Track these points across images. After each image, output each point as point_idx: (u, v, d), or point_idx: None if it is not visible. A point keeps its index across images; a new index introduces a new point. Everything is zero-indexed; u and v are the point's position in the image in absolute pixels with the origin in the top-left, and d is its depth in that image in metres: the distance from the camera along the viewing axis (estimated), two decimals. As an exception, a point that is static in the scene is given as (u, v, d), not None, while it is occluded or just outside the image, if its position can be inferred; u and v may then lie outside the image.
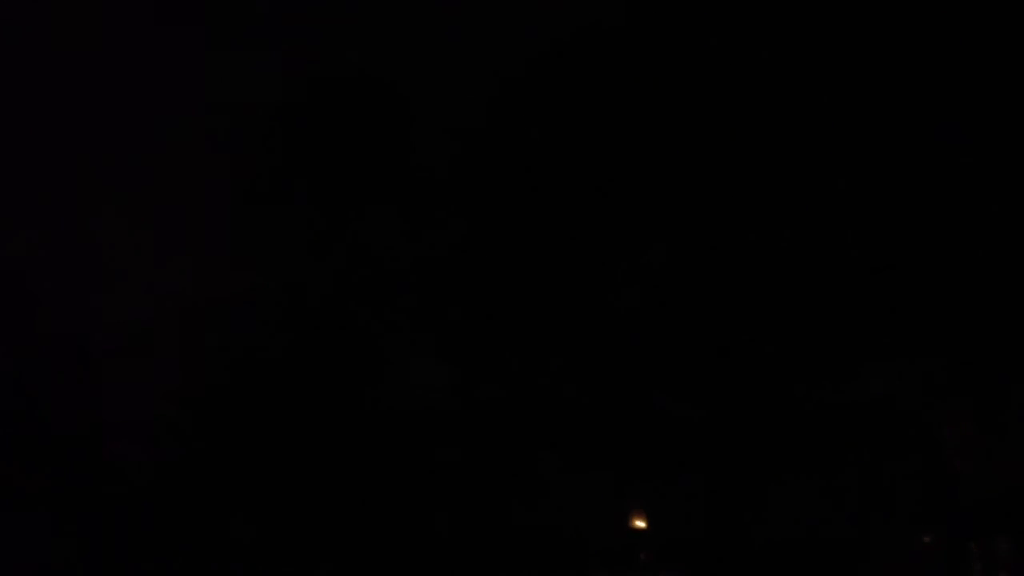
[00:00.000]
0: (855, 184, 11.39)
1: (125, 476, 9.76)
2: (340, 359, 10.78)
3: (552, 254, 11.37)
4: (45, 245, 9.90)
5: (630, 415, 12.22)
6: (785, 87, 11.31)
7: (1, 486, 9.42)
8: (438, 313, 11.18)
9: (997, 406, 11.86)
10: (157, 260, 10.20)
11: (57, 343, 9.74)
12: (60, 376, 9.68)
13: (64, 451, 9.49)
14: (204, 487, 10.12)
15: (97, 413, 9.72)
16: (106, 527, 9.46)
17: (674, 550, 12.83)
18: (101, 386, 9.85)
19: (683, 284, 11.54)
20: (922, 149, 11.28)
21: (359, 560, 10.62)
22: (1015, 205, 11.19)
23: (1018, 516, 12.08)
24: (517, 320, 11.25)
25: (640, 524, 13.46)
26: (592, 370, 11.54)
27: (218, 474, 10.13)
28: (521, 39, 10.97)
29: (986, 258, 11.42)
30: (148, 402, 10.10)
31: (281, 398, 10.38)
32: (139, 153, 10.42)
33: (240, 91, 10.88)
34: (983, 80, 10.85)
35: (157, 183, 10.42)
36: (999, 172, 11.16)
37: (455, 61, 11.20)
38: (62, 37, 10.25)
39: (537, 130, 11.17)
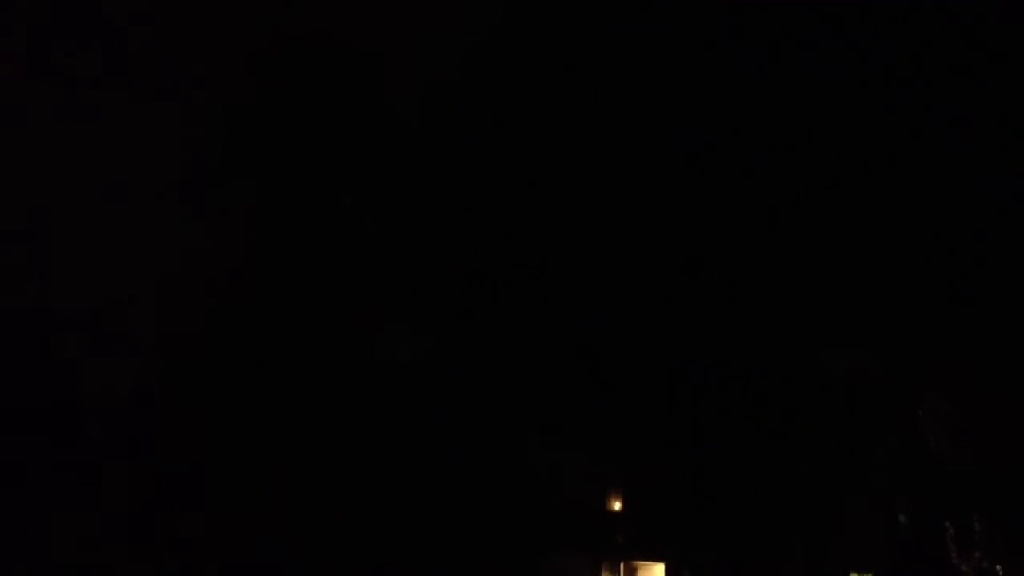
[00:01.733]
0: (826, 169, 11.47)
1: (99, 452, 9.61)
2: (314, 332, 10.68)
3: (533, 233, 11.35)
4: (14, 227, 9.78)
5: (607, 398, 12.19)
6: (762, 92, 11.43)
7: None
8: (417, 289, 11.11)
9: (972, 384, 11.91)
10: (129, 238, 10.08)
11: (28, 322, 9.61)
12: (32, 355, 9.54)
13: (38, 427, 9.33)
14: (178, 463, 9.98)
15: (70, 390, 9.57)
16: (81, 504, 9.32)
17: (649, 532, 12.78)
18: (74, 363, 9.70)
19: (662, 267, 11.57)
20: (889, 138, 11.39)
21: (340, 534, 10.50)
22: (987, 188, 11.27)
23: (993, 494, 12.12)
24: (498, 297, 11.21)
25: (616, 507, 13.41)
26: (570, 353, 11.52)
27: (192, 450, 10.00)
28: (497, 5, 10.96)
29: (959, 239, 11.49)
30: (121, 378, 9.96)
31: (254, 370, 10.27)
32: (109, 132, 10.31)
33: (210, 69, 10.80)
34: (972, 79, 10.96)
35: (129, 161, 10.32)
36: (971, 158, 11.24)
37: (430, 29, 11.15)
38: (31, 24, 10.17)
39: (514, 102, 11.17)
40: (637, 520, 12.76)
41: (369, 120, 11.03)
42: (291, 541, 10.24)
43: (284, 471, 10.30)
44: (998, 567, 13.09)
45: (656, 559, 13.85)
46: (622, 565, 13.80)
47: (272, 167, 10.74)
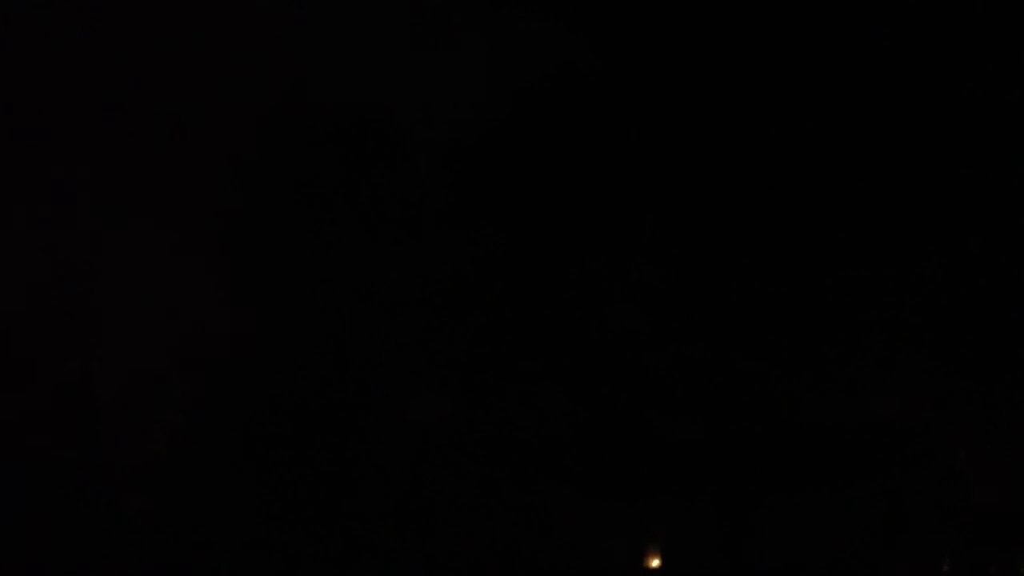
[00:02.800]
0: (863, 204, 11.33)
1: (130, 519, 9.70)
2: (343, 397, 10.72)
3: (550, 278, 11.33)
4: (42, 285, 9.92)
5: (642, 448, 12.10)
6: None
7: (3, 531, 9.37)
8: (439, 345, 11.12)
9: (1014, 428, 11.73)
10: (153, 301, 10.17)
11: (58, 388, 9.73)
12: (62, 422, 9.65)
13: (69, 496, 9.45)
14: (209, 528, 10.04)
15: (102, 459, 9.68)
16: (111, 571, 9.41)
17: (690, 586, 12.67)
18: (105, 431, 9.81)
19: (689, 306, 11.47)
20: (929, 164, 11.23)
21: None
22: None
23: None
24: (520, 349, 11.19)
25: (655, 563, 13.29)
26: (601, 402, 11.46)
27: (224, 515, 10.06)
28: (513, 68, 10.98)
29: (997, 278, 11.32)
30: (153, 445, 10.05)
31: (284, 436, 10.32)
32: (131, 190, 10.43)
33: (227, 128, 10.90)
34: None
35: (150, 220, 10.43)
36: (1006, 192, 11.09)
37: (448, 88, 11.20)
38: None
39: (531, 153, 11.18)
40: (675, 571, 12.65)
41: (389, 183, 11.09)
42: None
43: (317, 536, 10.35)
44: (1047, 613, 12.88)
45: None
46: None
47: (297, 230, 10.83)
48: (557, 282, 11.28)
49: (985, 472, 12.31)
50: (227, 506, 10.20)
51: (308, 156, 11.01)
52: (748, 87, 11.55)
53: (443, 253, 11.25)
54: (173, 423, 10.25)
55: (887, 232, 11.35)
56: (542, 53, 11.09)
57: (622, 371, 11.40)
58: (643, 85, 11.35)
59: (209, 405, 10.30)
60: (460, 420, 11.11)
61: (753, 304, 11.40)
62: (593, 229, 11.27)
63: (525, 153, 11.22)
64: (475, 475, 11.19)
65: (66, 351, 9.99)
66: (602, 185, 11.32)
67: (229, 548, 10.08)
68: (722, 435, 11.51)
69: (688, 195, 11.41)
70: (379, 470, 10.76)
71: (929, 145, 11.33)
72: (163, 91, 10.39)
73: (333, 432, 10.67)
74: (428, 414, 11.16)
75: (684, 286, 11.46)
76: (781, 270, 11.49)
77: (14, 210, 10.00)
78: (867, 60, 11.28)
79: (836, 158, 11.42)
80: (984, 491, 12.42)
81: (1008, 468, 12.18)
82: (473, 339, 11.20)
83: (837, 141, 11.38)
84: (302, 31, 10.70)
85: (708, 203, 11.38)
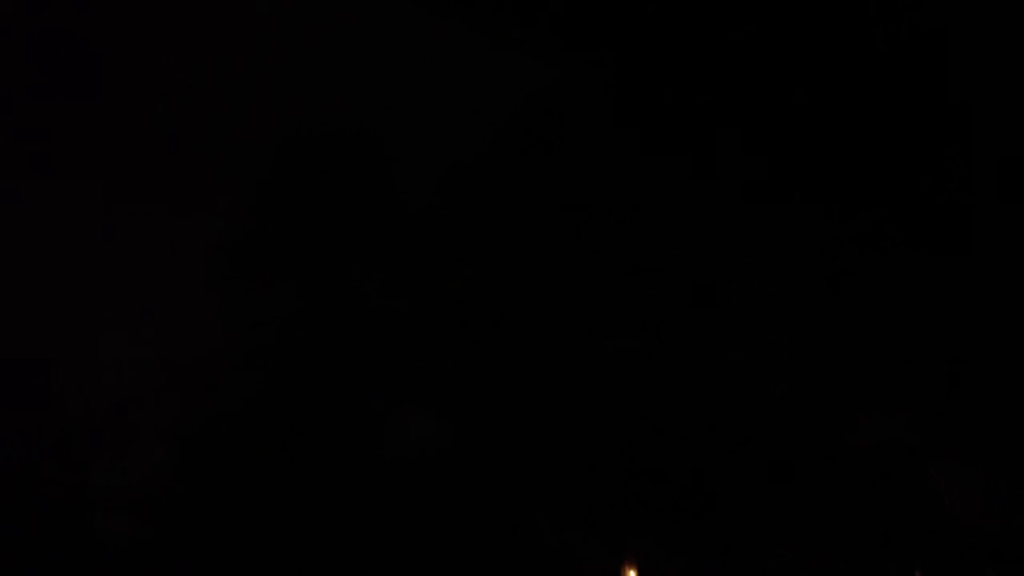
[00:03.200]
0: (852, 224, 11.37)
1: (114, 550, 9.69)
2: (330, 419, 10.73)
3: (542, 304, 11.35)
4: (19, 318, 9.86)
5: (622, 466, 12.17)
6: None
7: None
8: (426, 369, 11.14)
9: (993, 447, 11.85)
10: (135, 327, 10.14)
11: (38, 417, 9.70)
12: (43, 449, 9.62)
13: (51, 525, 9.42)
14: (196, 556, 10.05)
15: (84, 486, 9.66)
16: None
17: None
18: (86, 459, 9.79)
19: (679, 332, 11.52)
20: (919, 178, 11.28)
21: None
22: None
23: (1013, 558, 12.07)
24: (509, 372, 11.22)
25: None
26: (583, 421, 11.51)
27: (211, 543, 10.07)
28: (506, 95, 10.94)
29: (985, 301, 11.38)
30: (135, 472, 10.03)
31: (271, 461, 10.32)
32: (123, 213, 10.38)
33: (216, 149, 10.85)
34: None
35: (132, 244, 10.40)
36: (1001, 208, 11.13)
37: (441, 116, 11.16)
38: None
39: (525, 181, 11.15)
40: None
41: (387, 210, 11.06)
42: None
43: (305, 562, 10.38)
44: (1021, 626, 13.07)
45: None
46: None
47: (285, 255, 10.80)
48: (540, 300, 11.33)
49: (959, 487, 12.44)
50: (212, 521, 10.22)
51: (301, 169, 10.98)
52: (722, 97, 11.57)
53: (431, 269, 11.26)
54: (157, 439, 10.24)
55: (869, 254, 11.41)
56: (537, 70, 11.07)
57: (604, 387, 11.47)
58: (630, 99, 11.37)
59: (195, 421, 10.31)
60: (441, 437, 11.16)
61: (736, 322, 11.46)
62: (580, 245, 11.30)
63: (515, 167, 11.23)
64: (455, 489, 11.25)
65: (49, 363, 9.97)
66: (592, 200, 11.33)
67: (214, 562, 10.11)
68: (699, 450, 11.61)
69: (676, 208, 11.42)
70: (362, 486, 10.80)
71: (918, 162, 11.36)
72: (156, 102, 10.33)
73: (318, 446, 10.70)
74: (410, 432, 11.20)
75: (669, 302, 11.51)
76: (765, 288, 11.54)
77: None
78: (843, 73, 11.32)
79: (823, 175, 11.45)
80: (957, 505, 12.56)
81: (981, 483, 12.31)
82: (456, 357, 11.23)
83: (827, 161, 11.40)
84: (299, 45, 10.66)
85: (695, 217, 11.40)
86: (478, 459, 11.21)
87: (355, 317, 10.98)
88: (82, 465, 9.80)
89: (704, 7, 11.29)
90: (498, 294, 11.12)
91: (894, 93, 11.25)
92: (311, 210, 10.98)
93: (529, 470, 11.37)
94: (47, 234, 9.96)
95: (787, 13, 11.25)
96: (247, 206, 10.69)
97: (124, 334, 10.20)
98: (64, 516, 9.70)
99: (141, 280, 10.21)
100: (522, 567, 11.42)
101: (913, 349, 11.73)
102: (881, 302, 11.74)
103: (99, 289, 10.09)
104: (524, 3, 11.19)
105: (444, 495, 11.18)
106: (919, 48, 11.14)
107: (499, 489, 11.26)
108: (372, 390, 10.96)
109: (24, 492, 9.73)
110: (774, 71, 11.31)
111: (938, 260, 11.42)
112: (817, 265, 11.71)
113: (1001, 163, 11.22)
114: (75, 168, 10.12)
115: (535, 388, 11.27)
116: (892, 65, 11.23)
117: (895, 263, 11.68)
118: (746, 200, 11.42)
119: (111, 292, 10.13)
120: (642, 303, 11.40)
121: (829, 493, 12.49)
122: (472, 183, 10.94)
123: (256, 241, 10.73)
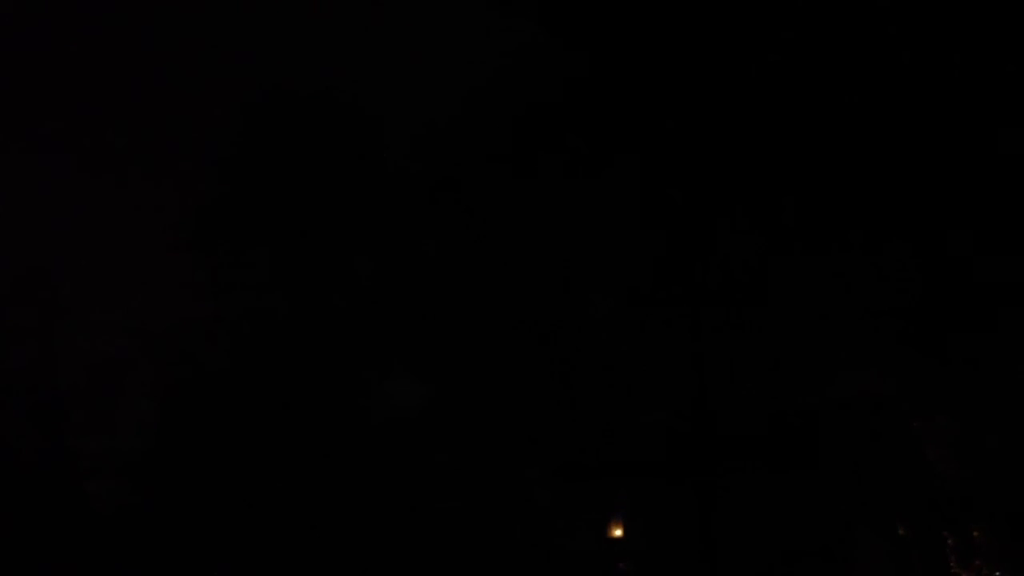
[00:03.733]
0: (824, 183, 11.48)
1: (100, 514, 9.70)
2: (313, 382, 10.75)
3: (524, 264, 11.39)
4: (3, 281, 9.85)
5: (607, 423, 12.23)
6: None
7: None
8: (410, 330, 11.17)
9: (970, 397, 11.97)
10: (119, 291, 10.14)
11: (22, 381, 9.69)
12: (28, 415, 9.62)
13: (37, 491, 9.43)
14: (181, 520, 10.06)
15: (68, 451, 9.66)
16: (82, 566, 9.41)
17: (652, 559, 12.85)
18: (70, 424, 9.79)
19: (659, 290, 11.59)
20: (896, 147, 11.39)
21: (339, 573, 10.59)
22: (991, 205, 11.27)
23: (992, 506, 12.20)
24: (492, 333, 11.26)
25: (618, 533, 13.47)
26: (568, 380, 11.57)
27: (196, 506, 10.08)
28: (488, 57, 10.98)
29: (959, 255, 11.50)
30: (120, 436, 10.04)
31: (255, 425, 10.34)
32: (97, 181, 10.38)
33: (199, 114, 10.86)
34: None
35: (116, 209, 10.39)
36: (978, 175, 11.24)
37: (422, 77, 11.20)
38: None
39: (506, 142, 11.20)
40: (640, 547, 12.83)
41: (366, 175, 11.08)
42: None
43: (293, 525, 10.39)
44: (997, 574, 13.19)
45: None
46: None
47: (268, 223, 10.81)
48: (528, 271, 11.37)
49: (941, 443, 12.56)
50: (198, 491, 10.23)
51: (285, 146, 10.99)
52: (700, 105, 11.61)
53: (418, 242, 11.30)
54: (141, 408, 10.25)
55: (850, 215, 11.51)
56: (520, 52, 11.10)
57: (589, 355, 11.54)
58: (610, 88, 11.41)
59: (179, 391, 10.31)
60: (431, 404, 11.20)
61: (720, 287, 11.54)
62: (565, 220, 11.34)
63: (491, 130, 11.27)
64: (445, 454, 11.29)
65: (34, 338, 9.97)
66: (578, 174, 11.38)
67: (201, 533, 10.13)
68: (684, 412, 11.69)
69: (657, 176, 11.51)
70: (351, 453, 10.83)
71: (895, 133, 11.48)
72: (127, 69, 10.33)
73: (299, 406, 10.71)
74: (399, 399, 11.24)
75: (653, 271, 11.59)
76: (745, 251, 11.64)
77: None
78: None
79: (804, 146, 11.55)
80: (939, 461, 12.68)
81: (963, 440, 12.43)
82: (444, 326, 11.27)
83: (802, 133, 11.50)
84: (271, 7, 10.67)
85: (676, 184, 11.48)
86: (464, 421, 11.27)
87: (330, 280, 11.01)
88: (62, 430, 9.81)
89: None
90: (476, 255, 11.17)
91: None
92: (285, 174, 10.99)
93: (517, 429, 11.44)
94: (20, 202, 9.96)
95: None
96: (221, 171, 10.70)
97: (101, 300, 10.21)
98: (48, 481, 9.72)
99: (117, 246, 10.22)
100: (512, 523, 11.50)
101: (886, 306, 11.85)
102: (853, 261, 11.85)
103: (74, 256, 10.10)
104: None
105: (431, 457, 11.23)
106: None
107: (488, 449, 11.32)
108: (351, 353, 10.99)
109: (9, 460, 9.73)
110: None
111: (907, 222, 11.55)
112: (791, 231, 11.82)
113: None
114: (48, 137, 10.11)
115: (518, 349, 11.33)
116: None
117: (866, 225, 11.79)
118: (707, 157, 11.53)
119: (86, 259, 10.14)
120: (621, 263, 11.47)
121: (811, 447, 12.60)
122: (449, 145, 10.98)
123: (230, 206, 10.74)
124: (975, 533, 12.67)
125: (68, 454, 9.72)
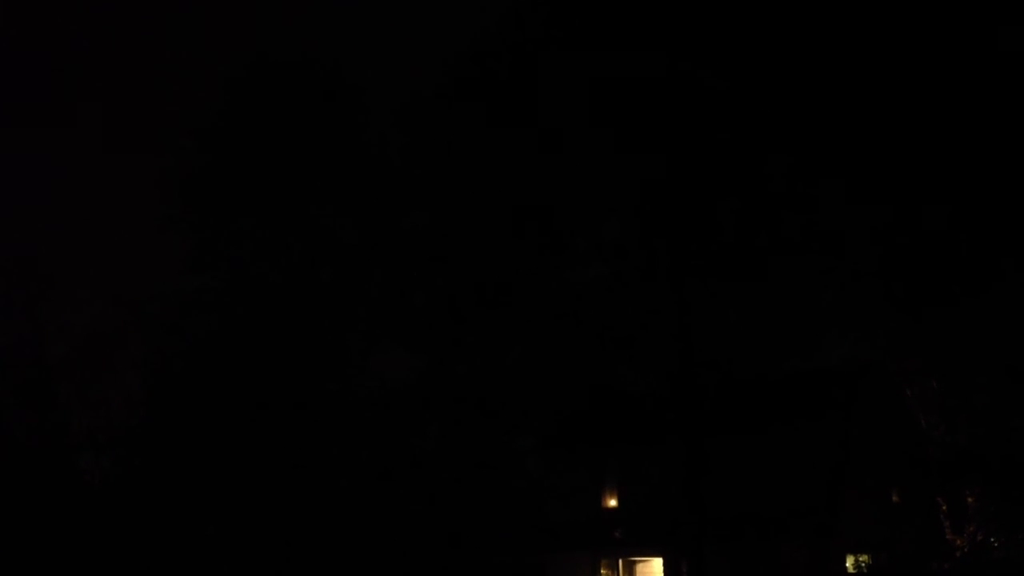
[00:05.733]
0: (811, 158, 11.44)
1: (91, 483, 9.65)
2: (303, 354, 10.73)
3: (509, 237, 11.36)
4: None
5: (599, 394, 12.21)
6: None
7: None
8: (400, 302, 11.15)
9: (959, 364, 11.96)
10: (105, 266, 10.11)
11: (13, 355, 9.64)
12: (16, 391, 9.56)
13: (28, 462, 9.37)
14: (171, 490, 10.02)
15: (58, 426, 9.61)
16: (73, 537, 9.35)
17: (646, 527, 12.84)
18: (59, 398, 9.74)
19: (643, 259, 11.57)
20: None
21: (336, 547, 10.57)
22: (975, 173, 11.25)
23: (983, 470, 12.19)
24: (480, 304, 11.24)
25: (612, 503, 13.47)
26: (557, 350, 11.55)
27: (185, 476, 10.04)
28: (473, 27, 10.95)
29: (944, 224, 11.47)
30: (109, 410, 10.00)
31: (246, 396, 10.31)
32: (80, 157, 10.34)
33: (186, 90, 10.83)
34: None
35: (100, 184, 10.35)
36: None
37: (400, 49, 11.16)
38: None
39: (487, 115, 11.17)
40: (633, 516, 12.82)
41: (350, 143, 11.03)
42: (292, 562, 10.30)
43: (284, 493, 10.35)
44: (992, 540, 13.19)
45: (653, 554, 13.94)
46: (620, 561, 13.89)
47: (254, 191, 10.77)
48: (515, 238, 11.33)
49: (931, 408, 12.52)
50: (188, 463, 10.18)
51: (269, 118, 10.97)
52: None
53: (405, 213, 11.27)
54: (130, 382, 10.21)
55: (834, 181, 11.47)
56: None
57: (578, 323, 11.51)
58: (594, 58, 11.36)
59: (167, 364, 10.26)
60: (422, 373, 11.18)
61: (704, 253, 11.51)
62: (553, 186, 11.30)
63: (473, 100, 11.23)
64: (438, 425, 11.26)
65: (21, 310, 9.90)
66: (561, 146, 11.33)
67: (190, 506, 10.08)
68: (674, 380, 11.64)
69: (641, 146, 11.46)
70: (340, 424, 10.80)
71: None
72: (108, 39, 10.27)
73: (295, 388, 10.68)
74: (389, 370, 11.22)
75: (639, 238, 11.56)
76: (730, 218, 11.60)
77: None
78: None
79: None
80: (930, 426, 12.64)
81: (952, 404, 12.40)
82: (434, 294, 11.25)
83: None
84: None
85: (661, 152, 11.45)
86: (455, 392, 11.25)
87: (316, 251, 10.99)
88: (51, 405, 9.76)
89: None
90: (460, 225, 11.14)
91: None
92: (270, 145, 10.97)
93: (509, 398, 11.42)
94: (4, 180, 9.91)
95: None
96: (205, 143, 10.68)
97: (87, 275, 10.18)
98: (38, 456, 9.65)
99: (102, 221, 10.17)
100: (502, 492, 11.49)
101: (871, 268, 11.82)
102: (837, 224, 11.81)
103: (60, 233, 10.06)
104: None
105: (420, 427, 11.20)
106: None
107: (480, 417, 11.31)
108: (339, 323, 10.97)
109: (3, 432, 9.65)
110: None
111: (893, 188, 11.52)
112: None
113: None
114: (30, 114, 10.08)
115: (508, 318, 11.31)
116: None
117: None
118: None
119: (72, 235, 10.10)
120: (609, 229, 11.45)
121: (798, 411, 12.57)
122: (432, 115, 10.96)
123: (215, 178, 10.72)
124: (969, 499, 12.67)
125: (57, 428, 9.67)
